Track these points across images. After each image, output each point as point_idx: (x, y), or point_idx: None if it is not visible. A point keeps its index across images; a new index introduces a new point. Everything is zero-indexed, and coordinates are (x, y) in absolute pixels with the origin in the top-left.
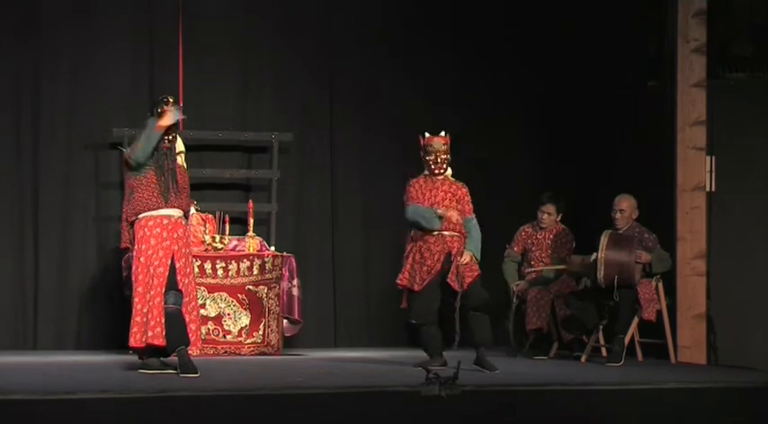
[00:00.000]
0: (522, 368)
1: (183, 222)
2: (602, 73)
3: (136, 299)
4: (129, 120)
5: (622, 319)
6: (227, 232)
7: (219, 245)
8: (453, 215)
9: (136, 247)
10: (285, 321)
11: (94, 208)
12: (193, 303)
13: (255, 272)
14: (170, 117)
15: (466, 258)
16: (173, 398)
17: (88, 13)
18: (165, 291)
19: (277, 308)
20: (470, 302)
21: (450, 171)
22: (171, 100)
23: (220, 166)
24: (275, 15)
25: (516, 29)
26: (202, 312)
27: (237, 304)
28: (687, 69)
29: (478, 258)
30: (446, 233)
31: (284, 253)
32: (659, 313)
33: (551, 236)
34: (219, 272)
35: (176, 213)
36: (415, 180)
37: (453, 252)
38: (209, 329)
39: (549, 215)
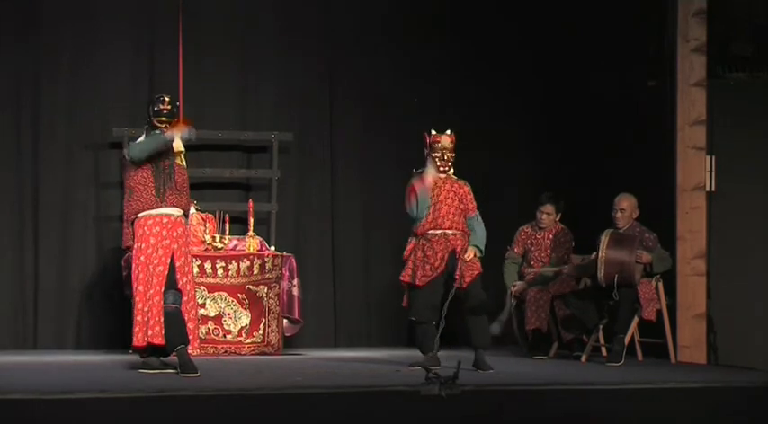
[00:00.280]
0: (521, 368)
1: (183, 221)
2: (602, 73)
3: (136, 298)
4: (129, 120)
5: (622, 318)
6: (228, 231)
7: (219, 245)
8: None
9: (135, 246)
10: (285, 320)
11: (94, 208)
12: (192, 302)
13: (255, 272)
14: (182, 132)
15: (470, 254)
16: (173, 398)
17: (88, 13)
18: (165, 290)
19: (277, 308)
20: (468, 303)
21: (451, 170)
22: (167, 99)
23: (220, 166)
24: (275, 15)
25: (516, 29)
26: (202, 311)
27: (237, 304)
28: (687, 69)
29: (483, 252)
30: (449, 231)
31: (284, 253)
32: (659, 312)
33: (551, 236)
34: (219, 272)
35: (176, 212)
36: (417, 171)
37: (457, 250)
38: (209, 328)
39: (548, 215)
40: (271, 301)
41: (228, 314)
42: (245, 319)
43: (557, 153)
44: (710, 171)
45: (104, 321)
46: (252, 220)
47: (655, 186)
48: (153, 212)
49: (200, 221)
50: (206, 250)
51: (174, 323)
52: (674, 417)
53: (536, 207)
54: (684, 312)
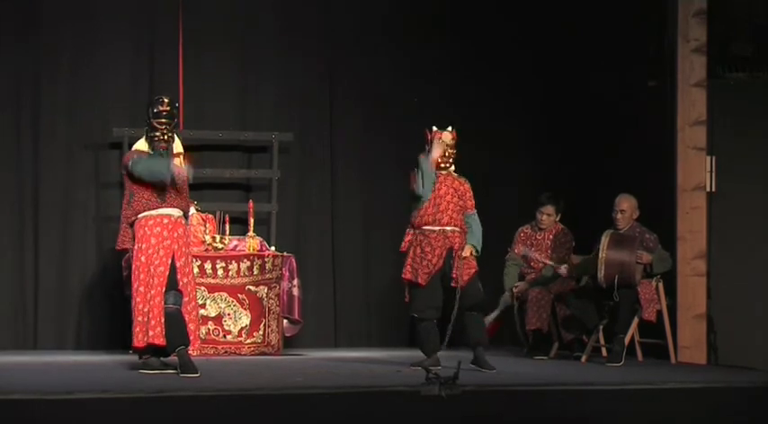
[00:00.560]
0: (522, 368)
1: (183, 222)
2: (602, 73)
3: (137, 299)
4: (130, 120)
5: (622, 319)
6: (228, 232)
7: (220, 245)
8: None
9: (136, 246)
10: (285, 321)
11: (94, 208)
12: (193, 303)
13: (256, 272)
14: (184, 168)
15: (467, 252)
16: (173, 398)
17: (88, 13)
18: (165, 291)
19: (277, 308)
20: (465, 302)
21: (452, 167)
22: (167, 100)
23: (220, 166)
24: (275, 15)
25: (516, 28)
26: (203, 312)
27: (238, 304)
28: (687, 69)
29: (479, 251)
30: (447, 228)
31: (284, 253)
32: (659, 313)
33: (551, 236)
34: (220, 272)
35: (176, 212)
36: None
37: (455, 248)
38: (209, 329)
39: (548, 216)
40: (271, 301)
41: (228, 315)
42: (245, 319)
43: (557, 153)
44: (711, 171)
45: (104, 321)
46: (252, 220)
47: (655, 186)
48: (153, 213)
49: (201, 221)
50: (206, 250)
51: (175, 324)
52: (674, 417)
53: (536, 208)
54: (684, 312)
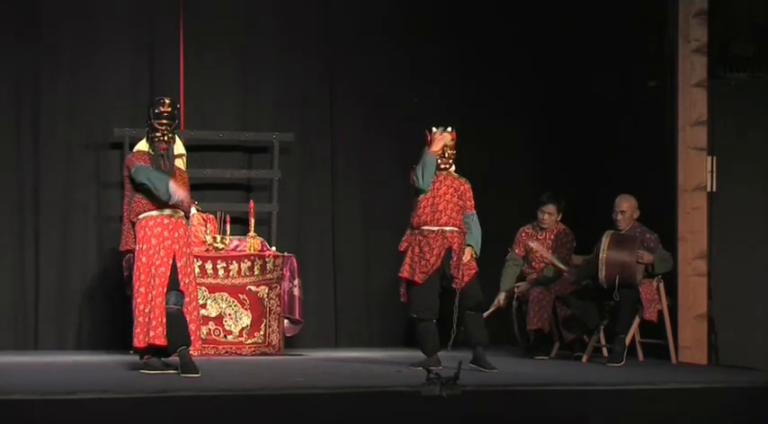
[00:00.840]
0: (523, 368)
1: (184, 222)
2: (602, 73)
3: (138, 299)
4: (130, 120)
5: (623, 319)
6: (228, 232)
7: (220, 245)
8: None
9: (137, 247)
10: (286, 321)
11: (95, 208)
12: (194, 303)
13: (256, 272)
14: (176, 190)
15: (467, 256)
16: (173, 398)
17: (88, 13)
18: (167, 291)
19: (278, 308)
20: (465, 302)
21: (453, 167)
22: (167, 101)
23: (221, 166)
24: (275, 15)
25: (516, 28)
26: (203, 312)
27: (238, 305)
28: (688, 69)
29: (478, 253)
30: (446, 228)
31: (285, 253)
32: (660, 313)
33: (552, 236)
34: (220, 272)
35: (177, 213)
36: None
37: (454, 248)
38: (209, 329)
39: (549, 215)
40: (272, 301)
41: (229, 315)
42: (245, 319)
43: (557, 153)
44: (711, 171)
45: (105, 321)
46: (253, 220)
47: (656, 187)
48: (154, 213)
49: (201, 221)
50: (207, 250)
51: (176, 324)
52: (675, 417)
53: (537, 208)
54: (685, 312)
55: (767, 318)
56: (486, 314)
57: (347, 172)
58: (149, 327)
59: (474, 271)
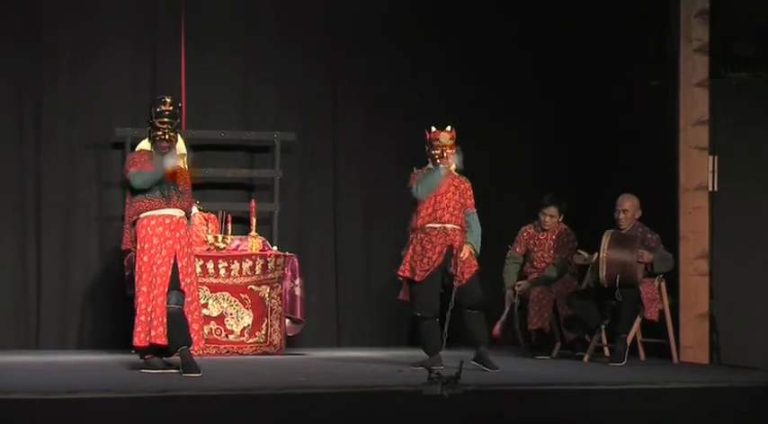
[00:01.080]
0: (524, 368)
1: (186, 222)
2: (602, 73)
3: (140, 299)
4: (131, 120)
5: (625, 319)
6: (230, 231)
7: (222, 245)
8: None
9: (138, 246)
10: (287, 320)
11: (97, 208)
12: (195, 303)
13: (258, 272)
14: (172, 162)
15: (465, 253)
16: (175, 398)
17: (88, 13)
18: (168, 291)
19: (279, 308)
20: (466, 301)
21: (454, 165)
22: (169, 100)
23: (223, 166)
24: (275, 15)
25: (516, 28)
26: (205, 311)
27: (240, 304)
28: (689, 69)
29: (478, 251)
30: (448, 226)
31: (287, 253)
32: (662, 312)
33: (553, 237)
34: (222, 272)
35: (178, 213)
36: (419, 170)
37: (455, 246)
38: (211, 328)
39: (551, 217)
40: (273, 301)
41: (231, 314)
42: (247, 319)
43: (558, 153)
44: (713, 171)
45: (107, 321)
46: (254, 220)
47: (657, 186)
48: (155, 213)
49: (203, 221)
50: (208, 250)
51: (177, 324)
52: (676, 417)
53: (538, 209)
54: (687, 312)
55: None
56: (502, 318)
57: (348, 172)
58: (151, 326)
59: (475, 269)
